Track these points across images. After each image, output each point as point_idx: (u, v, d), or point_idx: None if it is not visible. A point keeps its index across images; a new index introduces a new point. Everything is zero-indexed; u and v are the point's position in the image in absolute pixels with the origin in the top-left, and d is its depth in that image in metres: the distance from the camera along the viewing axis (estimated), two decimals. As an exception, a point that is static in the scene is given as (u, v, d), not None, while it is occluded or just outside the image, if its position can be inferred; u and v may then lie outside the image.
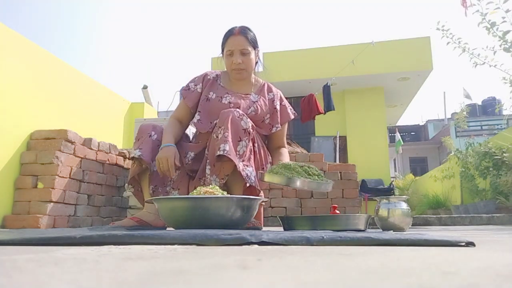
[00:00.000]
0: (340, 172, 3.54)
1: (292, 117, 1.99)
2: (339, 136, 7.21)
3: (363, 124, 7.88)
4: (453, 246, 0.73)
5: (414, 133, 18.06)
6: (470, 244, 0.73)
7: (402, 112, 9.81)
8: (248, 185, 1.65)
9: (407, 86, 8.00)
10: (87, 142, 2.89)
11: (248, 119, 1.70)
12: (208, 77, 1.96)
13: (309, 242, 0.78)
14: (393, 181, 7.49)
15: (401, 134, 12.93)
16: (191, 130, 2.45)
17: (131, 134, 3.99)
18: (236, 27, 1.88)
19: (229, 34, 1.86)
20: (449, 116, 15.06)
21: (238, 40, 1.83)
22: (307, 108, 6.16)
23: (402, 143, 9.40)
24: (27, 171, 2.56)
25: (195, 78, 1.99)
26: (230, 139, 1.61)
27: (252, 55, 1.86)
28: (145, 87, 4.87)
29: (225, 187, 1.69)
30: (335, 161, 6.46)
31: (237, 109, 1.71)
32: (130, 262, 0.49)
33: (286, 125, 2.01)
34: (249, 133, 1.68)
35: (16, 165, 2.57)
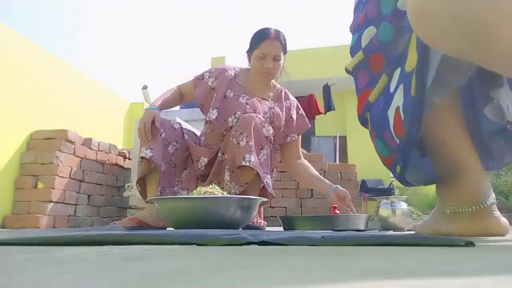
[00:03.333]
0: (340, 172, 3.55)
1: (309, 126, 1.97)
2: (339, 136, 7.21)
3: (363, 124, 7.87)
4: (453, 246, 0.73)
5: (414, 133, 18.03)
6: (470, 244, 0.73)
7: (402, 112, 9.80)
8: (261, 187, 1.68)
9: (407, 86, 7.99)
10: (87, 142, 2.89)
11: (270, 126, 1.70)
12: (227, 73, 1.89)
13: (309, 242, 0.78)
14: (393, 181, 7.48)
15: (401, 134, 12.89)
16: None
17: (131, 134, 4.00)
18: (271, 29, 1.82)
19: (265, 36, 1.80)
20: (449, 116, 15.04)
21: (274, 45, 1.79)
22: (307, 108, 6.16)
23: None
24: (27, 171, 2.56)
25: (212, 69, 1.93)
26: (254, 148, 1.61)
27: (282, 61, 1.85)
28: (145, 87, 4.87)
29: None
30: (335, 161, 6.46)
31: (258, 115, 1.70)
32: (130, 262, 0.49)
33: (301, 135, 1.97)
34: (270, 141, 1.69)
35: (16, 165, 2.57)
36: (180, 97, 1.91)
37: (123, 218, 3.28)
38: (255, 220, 1.77)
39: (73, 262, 0.51)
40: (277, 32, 1.81)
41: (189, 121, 2.82)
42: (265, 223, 1.86)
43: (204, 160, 1.78)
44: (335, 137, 7.03)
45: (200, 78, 1.90)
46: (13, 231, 1.81)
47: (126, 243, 0.79)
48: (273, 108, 1.86)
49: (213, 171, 1.77)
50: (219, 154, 1.77)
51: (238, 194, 1.60)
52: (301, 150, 1.99)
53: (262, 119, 1.70)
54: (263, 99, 1.87)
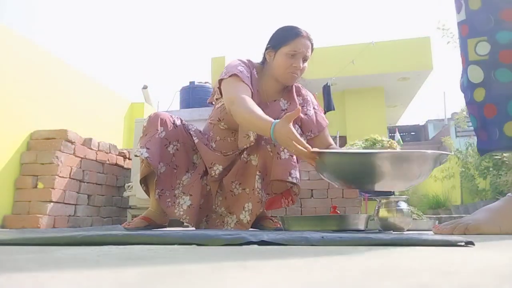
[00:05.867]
0: (340, 172, 3.54)
1: (327, 123, 1.79)
2: (339, 136, 7.21)
3: (363, 124, 7.88)
4: (453, 246, 0.73)
5: (414, 133, 18.05)
6: (469, 244, 0.73)
7: (402, 112, 9.81)
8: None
9: (407, 86, 8.00)
10: (87, 142, 2.89)
11: (305, 140, 1.65)
12: (253, 71, 1.70)
13: (309, 242, 0.78)
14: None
15: (401, 134, 12.93)
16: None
17: (131, 134, 3.99)
18: (300, 28, 1.66)
19: (298, 33, 1.63)
20: (449, 116, 15.06)
21: (307, 44, 1.63)
22: (307, 108, 6.16)
23: (402, 143, 9.40)
24: (27, 171, 2.56)
25: (240, 62, 1.68)
26: (296, 163, 1.61)
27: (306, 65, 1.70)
28: (145, 87, 4.87)
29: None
30: (335, 161, 6.45)
31: (296, 125, 1.64)
32: (130, 262, 0.49)
33: (327, 130, 1.78)
34: None
35: (16, 165, 2.57)
36: None
37: (123, 218, 3.28)
38: (275, 222, 1.76)
39: (73, 262, 0.51)
40: (308, 32, 1.66)
41: (189, 121, 2.82)
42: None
43: (218, 168, 1.70)
44: (335, 137, 7.02)
45: (240, 72, 1.61)
46: (13, 231, 1.81)
47: (126, 243, 0.79)
48: (286, 110, 1.71)
49: (235, 172, 1.70)
50: (244, 155, 1.69)
51: (260, 202, 1.61)
52: (331, 140, 1.79)
53: (299, 130, 1.64)
54: (274, 101, 1.73)
